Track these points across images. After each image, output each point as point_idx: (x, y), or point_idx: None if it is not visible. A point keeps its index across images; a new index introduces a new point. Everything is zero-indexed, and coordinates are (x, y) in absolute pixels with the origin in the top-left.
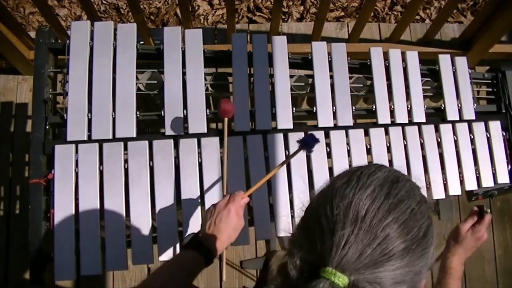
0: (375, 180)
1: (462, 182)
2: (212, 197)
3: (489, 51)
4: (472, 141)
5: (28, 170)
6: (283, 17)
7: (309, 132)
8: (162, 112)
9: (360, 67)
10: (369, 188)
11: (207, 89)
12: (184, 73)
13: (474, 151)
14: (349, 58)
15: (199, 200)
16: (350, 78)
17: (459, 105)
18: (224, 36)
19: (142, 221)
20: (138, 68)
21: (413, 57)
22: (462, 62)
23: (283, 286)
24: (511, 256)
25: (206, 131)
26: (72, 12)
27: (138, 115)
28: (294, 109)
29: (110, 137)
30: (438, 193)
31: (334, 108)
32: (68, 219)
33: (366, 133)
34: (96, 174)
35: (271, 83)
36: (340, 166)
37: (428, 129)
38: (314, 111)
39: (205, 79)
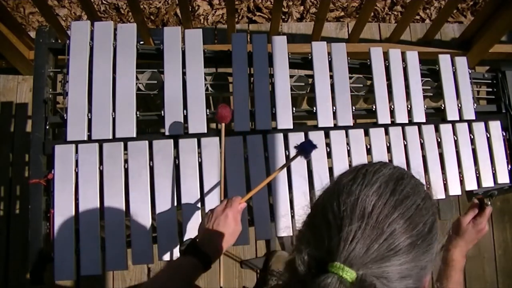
0: (381, 177)
1: (462, 182)
2: (212, 197)
3: (489, 51)
4: (472, 141)
5: (28, 170)
6: (283, 17)
7: (308, 139)
8: (162, 112)
9: (360, 67)
10: (375, 185)
11: (207, 89)
12: (184, 73)
13: (474, 151)
14: (349, 58)
15: (199, 200)
16: (350, 78)
17: (459, 105)
18: (224, 36)
19: (142, 221)
20: (138, 68)
21: (413, 57)
22: (462, 62)
23: (291, 281)
24: (511, 256)
25: (206, 131)
26: (72, 12)
27: (138, 115)
28: (294, 109)
29: (110, 137)
30: (438, 193)
31: (334, 108)
32: (68, 219)
33: (366, 133)
34: (96, 174)
35: (271, 83)
36: (340, 166)
37: (428, 129)
38: (314, 111)
39: (205, 79)
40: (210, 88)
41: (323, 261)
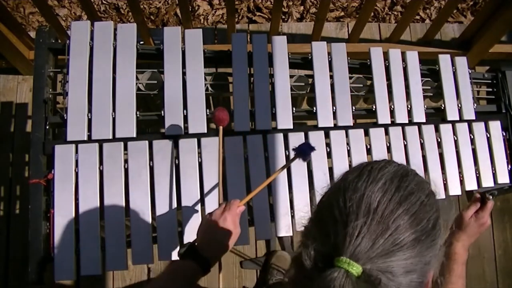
0: (386, 174)
1: (462, 182)
2: (212, 197)
3: (489, 51)
4: (472, 141)
5: (28, 170)
6: (283, 17)
7: (306, 141)
8: (162, 112)
9: (360, 67)
10: (380, 182)
11: (207, 89)
12: (184, 73)
13: (474, 151)
14: (349, 58)
15: (199, 200)
16: (350, 78)
17: (459, 105)
18: (224, 36)
19: (142, 221)
20: (138, 68)
21: (413, 57)
22: (462, 62)
23: (297, 277)
24: (511, 256)
25: (206, 131)
26: (72, 12)
27: (138, 115)
28: (294, 109)
29: (110, 137)
30: (438, 193)
31: (334, 108)
32: (68, 219)
33: (366, 133)
34: (96, 174)
35: (271, 83)
36: (340, 166)
37: (428, 129)
38: (314, 111)
39: (205, 79)
40: (210, 88)
41: (330, 256)
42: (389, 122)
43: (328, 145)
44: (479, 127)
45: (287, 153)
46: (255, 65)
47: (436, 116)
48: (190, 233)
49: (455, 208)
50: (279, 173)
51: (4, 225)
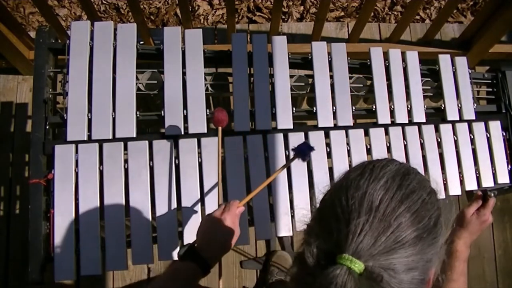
0: (388, 172)
1: (462, 182)
2: (212, 197)
3: (489, 51)
4: (472, 141)
5: (28, 170)
6: (283, 17)
7: (305, 141)
8: (162, 112)
9: (360, 67)
10: (382, 180)
11: (207, 89)
12: (184, 73)
13: (474, 151)
14: (349, 58)
15: (199, 200)
16: (350, 78)
17: (459, 105)
18: (224, 36)
19: (142, 221)
20: (138, 68)
21: (413, 57)
22: (462, 62)
23: (299, 275)
24: (511, 256)
25: (206, 131)
26: (72, 12)
27: (138, 115)
28: (294, 109)
29: (110, 137)
30: (439, 192)
31: (334, 108)
32: (68, 219)
33: (366, 133)
34: (96, 174)
35: (271, 83)
36: (340, 166)
37: (428, 129)
38: (314, 111)
39: (205, 79)
40: (210, 88)
41: (332, 253)
42: (389, 122)
43: (328, 145)
44: (479, 127)
45: (287, 153)
46: (255, 65)
47: (436, 116)
48: (190, 233)
49: (455, 208)
50: (279, 174)
51: (4, 225)
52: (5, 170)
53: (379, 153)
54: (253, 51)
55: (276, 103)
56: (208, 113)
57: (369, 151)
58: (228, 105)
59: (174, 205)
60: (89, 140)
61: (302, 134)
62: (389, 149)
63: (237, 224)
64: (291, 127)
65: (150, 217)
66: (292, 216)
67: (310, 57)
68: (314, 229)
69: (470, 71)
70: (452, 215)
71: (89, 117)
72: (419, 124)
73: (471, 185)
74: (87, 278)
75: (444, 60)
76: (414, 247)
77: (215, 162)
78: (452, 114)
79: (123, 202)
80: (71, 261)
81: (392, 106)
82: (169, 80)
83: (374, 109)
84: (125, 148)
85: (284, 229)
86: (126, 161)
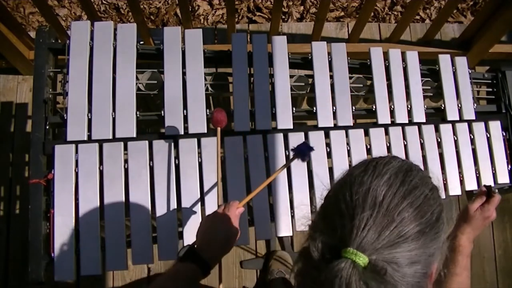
0: (391, 168)
1: (462, 182)
2: (212, 197)
3: (489, 51)
4: (472, 141)
5: (28, 170)
6: (283, 17)
7: (304, 141)
8: (162, 112)
9: (360, 67)
10: (385, 176)
11: (207, 89)
12: (184, 73)
13: (474, 151)
14: (349, 58)
15: (199, 200)
16: (350, 78)
17: (459, 105)
18: (224, 36)
19: (142, 221)
20: (138, 68)
21: (413, 57)
22: (462, 62)
23: (305, 269)
24: (511, 256)
25: (206, 131)
26: (72, 12)
27: (138, 115)
28: (294, 109)
29: (110, 137)
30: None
31: (334, 108)
32: (68, 219)
33: (366, 133)
34: (96, 174)
35: (271, 83)
36: (340, 166)
37: (428, 129)
38: (314, 111)
39: (205, 79)
40: (210, 88)
41: (337, 247)
42: (389, 122)
43: (328, 145)
44: (479, 127)
45: (287, 153)
46: (255, 65)
47: (436, 116)
48: (190, 233)
49: (455, 208)
50: (278, 174)
51: (4, 225)
52: (5, 170)
53: (379, 153)
54: (253, 51)
55: (276, 103)
56: (208, 113)
57: (369, 151)
58: (228, 105)
59: (174, 205)
60: (89, 140)
61: (302, 134)
62: (389, 149)
63: (237, 224)
64: (291, 127)
65: (150, 217)
66: (292, 216)
67: (310, 57)
68: (318, 225)
69: (470, 71)
70: (452, 214)
71: (89, 117)
72: (419, 124)
73: (471, 185)
74: (87, 278)
75: (444, 60)
76: (417, 241)
77: (215, 162)
78: (452, 114)
79: (123, 202)
80: (71, 261)
81: (392, 106)
82: (169, 80)
83: (374, 109)
84: (125, 148)
85: (284, 229)
86: (126, 161)
